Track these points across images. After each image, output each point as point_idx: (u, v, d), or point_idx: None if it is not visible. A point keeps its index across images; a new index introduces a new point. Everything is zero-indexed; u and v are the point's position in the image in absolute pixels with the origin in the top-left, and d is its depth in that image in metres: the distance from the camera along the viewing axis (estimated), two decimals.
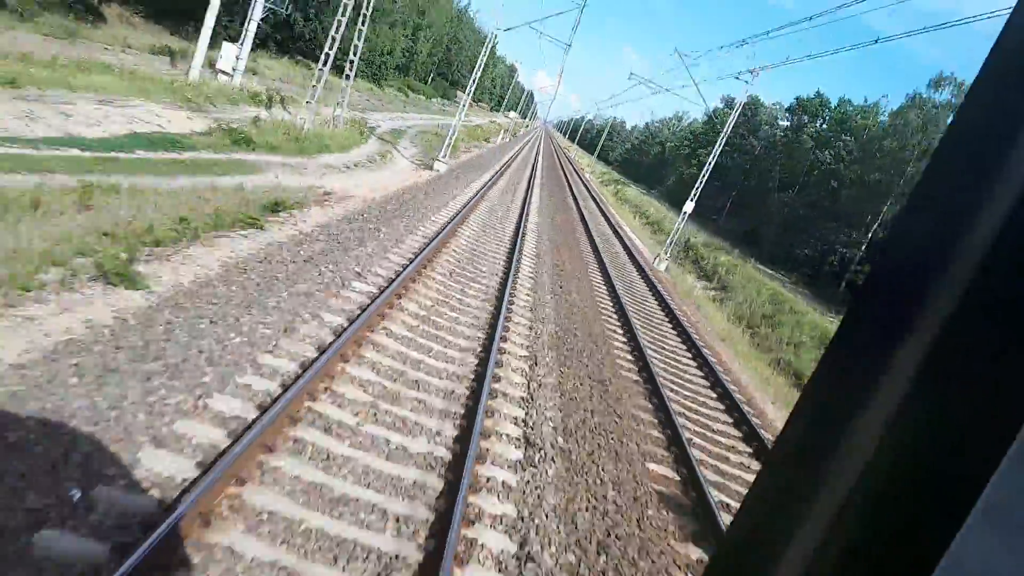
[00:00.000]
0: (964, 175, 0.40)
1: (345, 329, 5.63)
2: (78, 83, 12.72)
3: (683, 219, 20.48)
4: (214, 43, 20.34)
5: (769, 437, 7.50)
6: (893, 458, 0.39)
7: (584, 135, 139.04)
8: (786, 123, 58.90)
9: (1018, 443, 0.32)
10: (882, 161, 45.27)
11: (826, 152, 50.03)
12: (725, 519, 5.17)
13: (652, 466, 5.86)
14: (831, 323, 21.57)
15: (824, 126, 53.57)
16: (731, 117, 21.02)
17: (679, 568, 4.55)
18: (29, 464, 3.06)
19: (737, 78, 20.49)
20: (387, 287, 6.99)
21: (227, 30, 25.66)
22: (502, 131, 53.04)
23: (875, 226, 43.12)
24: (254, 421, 3.96)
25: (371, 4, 18.04)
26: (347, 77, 19.11)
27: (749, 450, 7.27)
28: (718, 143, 20.41)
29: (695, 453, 6.33)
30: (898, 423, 0.39)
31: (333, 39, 17.10)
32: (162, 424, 3.69)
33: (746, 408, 8.42)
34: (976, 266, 0.37)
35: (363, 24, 18.04)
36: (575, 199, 29.15)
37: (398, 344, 6.01)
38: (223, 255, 6.52)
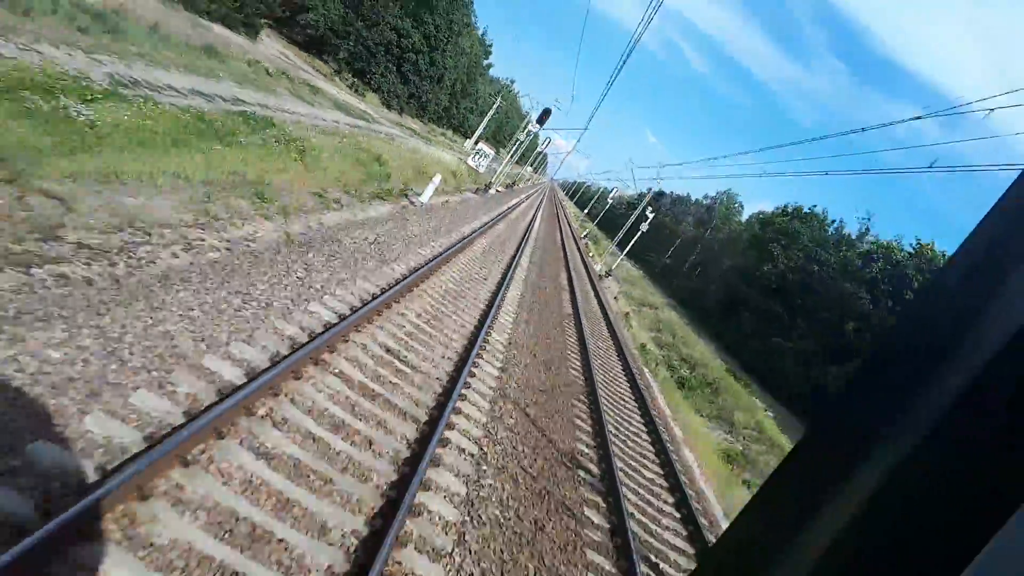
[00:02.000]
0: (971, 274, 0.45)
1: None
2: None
3: (584, 215, 67.98)
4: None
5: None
6: (900, 494, 0.40)
7: (581, 197, 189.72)
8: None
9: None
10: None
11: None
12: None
13: None
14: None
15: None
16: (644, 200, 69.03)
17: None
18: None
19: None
20: (530, 193, 54.36)
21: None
22: (530, 177, 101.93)
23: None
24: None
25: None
26: (511, 154, 66.64)
27: None
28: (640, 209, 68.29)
29: None
30: (908, 465, 0.40)
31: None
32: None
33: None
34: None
35: (522, 134, 65.93)
36: (558, 210, 77.23)
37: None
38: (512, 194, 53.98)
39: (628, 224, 35.76)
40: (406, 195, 18.40)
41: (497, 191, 46.36)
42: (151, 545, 3.13)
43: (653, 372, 19.96)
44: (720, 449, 18.06)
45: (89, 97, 9.71)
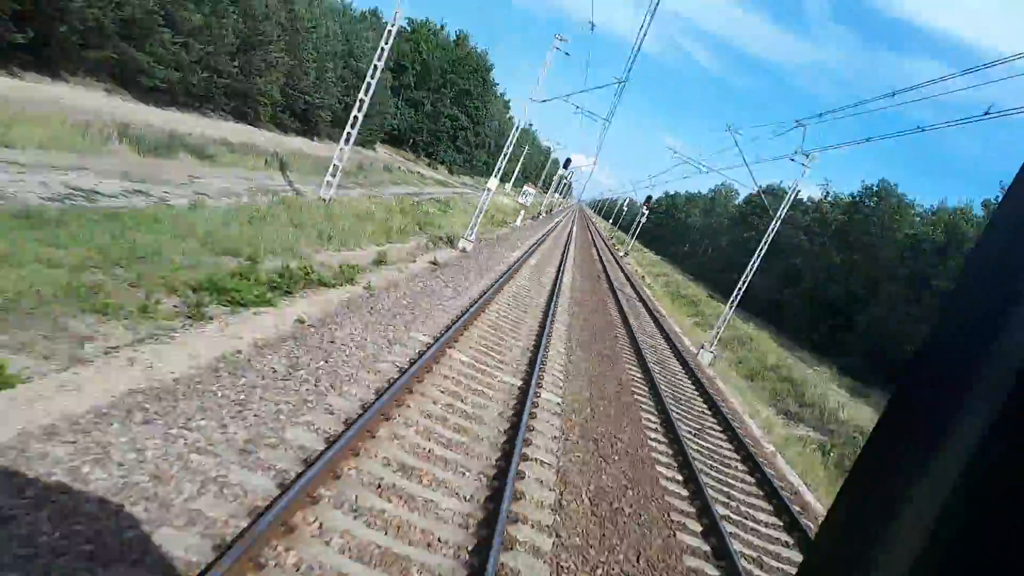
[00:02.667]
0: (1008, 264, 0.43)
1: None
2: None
3: (609, 224, 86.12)
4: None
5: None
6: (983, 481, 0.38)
7: (608, 211, 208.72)
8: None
9: None
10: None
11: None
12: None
13: None
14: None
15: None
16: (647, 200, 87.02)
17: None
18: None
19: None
20: (562, 218, 73.01)
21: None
22: (560, 203, 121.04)
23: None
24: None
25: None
26: (544, 187, 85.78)
27: None
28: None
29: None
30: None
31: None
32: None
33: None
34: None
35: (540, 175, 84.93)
36: (588, 223, 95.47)
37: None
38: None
39: (637, 221, 53.78)
40: (505, 223, 37.16)
41: (542, 216, 65.12)
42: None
43: (653, 292, 37.81)
44: (689, 317, 35.58)
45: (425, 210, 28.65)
